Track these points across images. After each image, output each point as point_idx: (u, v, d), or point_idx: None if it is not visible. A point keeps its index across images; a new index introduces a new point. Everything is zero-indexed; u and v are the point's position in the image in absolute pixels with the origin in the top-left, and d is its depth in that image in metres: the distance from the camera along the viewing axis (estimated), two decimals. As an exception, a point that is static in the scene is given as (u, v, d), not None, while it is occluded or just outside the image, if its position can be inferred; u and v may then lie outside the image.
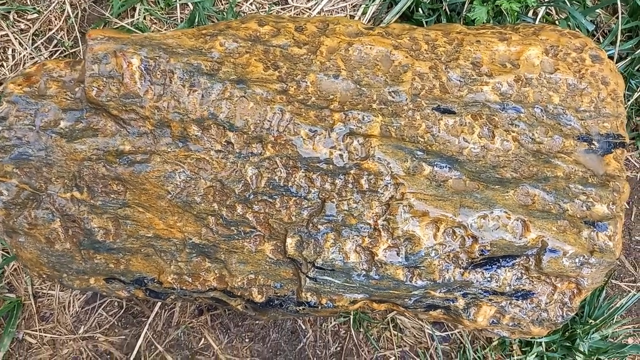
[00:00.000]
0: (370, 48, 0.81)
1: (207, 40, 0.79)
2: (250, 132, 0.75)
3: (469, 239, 0.74)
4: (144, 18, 1.09)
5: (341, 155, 0.74)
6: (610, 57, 1.08)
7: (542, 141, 0.80)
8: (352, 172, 0.74)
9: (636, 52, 1.08)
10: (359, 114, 0.76)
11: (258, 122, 0.75)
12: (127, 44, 0.77)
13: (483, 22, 1.00)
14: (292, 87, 0.77)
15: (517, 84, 0.81)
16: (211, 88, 0.76)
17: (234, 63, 0.77)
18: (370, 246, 0.74)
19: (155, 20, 1.10)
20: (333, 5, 1.09)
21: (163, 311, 0.93)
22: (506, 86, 0.81)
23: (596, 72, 0.84)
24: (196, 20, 1.05)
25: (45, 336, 0.90)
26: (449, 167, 0.75)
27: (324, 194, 0.75)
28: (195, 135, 0.76)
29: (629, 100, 1.09)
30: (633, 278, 1.03)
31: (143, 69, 0.76)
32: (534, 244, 0.73)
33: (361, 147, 0.75)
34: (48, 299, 0.92)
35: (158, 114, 0.76)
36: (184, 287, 0.80)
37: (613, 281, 1.02)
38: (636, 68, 1.08)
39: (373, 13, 1.10)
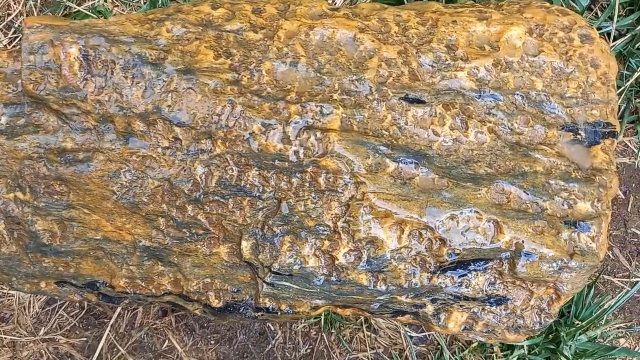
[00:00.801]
0: (333, 31, 0.74)
1: (153, 26, 0.72)
2: (198, 128, 0.69)
3: (436, 241, 0.67)
4: (105, 1, 1.03)
5: (297, 152, 0.68)
6: (608, 34, 0.99)
7: (522, 132, 0.73)
8: (309, 170, 0.68)
9: (637, 29, 0.99)
10: (317, 105, 0.69)
11: (206, 116, 0.69)
12: (65, 32, 0.70)
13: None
14: (245, 76, 0.71)
15: (495, 69, 0.74)
16: (156, 79, 0.69)
17: (181, 51, 0.71)
18: (330, 249, 0.68)
19: (117, 3, 1.03)
20: (306, -17, 1.02)
21: (126, 312, 0.89)
22: (483, 71, 0.73)
23: (585, 53, 0.76)
24: (159, 1, 0.98)
25: (5, 338, 0.87)
26: (415, 163, 0.69)
27: (279, 194, 0.69)
28: (141, 131, 0.70)
29: (628, 81, 1.01)
30: (627, 273, 0.96)
31: (82, 59, 0.70)
32: (507, 247, 0.67)
33: (319, 143, 0.68)
34: (8, 299, 0.88)
35: (100, 108, 0.70)
36: (137, 292, 0.76)
37: (605, 277, 0.95)
38: (636, 46, 0.99)
39: (350, -10, 1.02)
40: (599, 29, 1.00)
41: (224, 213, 0.70)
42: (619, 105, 1.02)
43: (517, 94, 0.74)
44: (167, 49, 0.71)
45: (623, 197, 0.98)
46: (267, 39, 0.73)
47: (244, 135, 0.68)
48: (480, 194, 0.68)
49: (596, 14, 1.04)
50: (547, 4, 0.81)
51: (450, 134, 0.70)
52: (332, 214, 0.68)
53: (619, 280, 0.95)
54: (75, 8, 1.00)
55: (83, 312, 0.90)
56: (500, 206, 0.68)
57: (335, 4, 1.02)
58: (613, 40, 1.00)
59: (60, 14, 1.01)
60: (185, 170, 0.70)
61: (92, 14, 0.99)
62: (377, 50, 0.73)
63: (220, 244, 0.72)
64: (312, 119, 0.69)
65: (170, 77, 0.69)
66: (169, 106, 0.69)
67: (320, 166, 0.68)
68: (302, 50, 0.72)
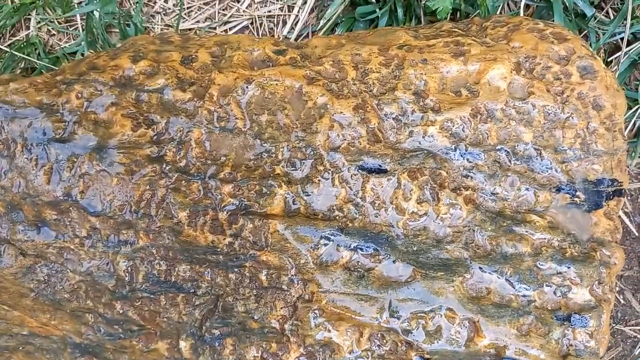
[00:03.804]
0: (276, 84, 0.61)
1: (61, 91, 0.61)
2: (116, 217, 0.59)
3: (402, 344, 0.57)
4: (39, 30, 0.91)
5: (232, 244, 0.57)
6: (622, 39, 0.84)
7: (507, 197, 0.60)
8: (247, 264, 0.57)
9: (655, 32, 0.83)
10: (255, 184, 0.58)
11: (124, 203, 0.58)
12: (-43, 106, 0.60)
13: (447, 14, 0.77)
14: (170, 150, 0.59)
15: (474, 120, 0.61)
16: (64, 161, 0.59)
17: (94, 122, 0.60)
18: (280, 353, 0.59)
19: (53, 32, 0.91)
20: (264, -3, 0.88)
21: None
22: (459, 124, 0.61)
23: (586, 92, 0.62)
24: (94, 33, 0.86)
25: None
26: (375, 250, 0.57)
27: (217, 290, 0.59)
28: (54, 220, 0.60)
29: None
30: (641, 320, 0.84)
31: (-21, 139, 0.59)
32: (486, 351, 0.56)
33: (258, 232, 0.57)
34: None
35: (5, 195, 0.60)
36: (76, 386, 0.67)
37: (615, 326, 0.84)
38: (655, 53, 0.84)
39: (316, 1, 0.88)
40: (611, 35, 0.84)
41: (157, 310, 0.61)
42: (634, 122, 0.88)
43: (502, 150, 0.61)
44: (77, 121, 0.60)
45: (637, 233, 0.86)
46: (197, 99, 0.61)
47: (169, 226, 0.58)
48: (453, 286, 0.57)
49: (607, 13, 0.88)
50: (541, 25, 0.67)
51: (418, 209, 0.58)
52: (278, 315, 0.58)
53: (631, 329, 0.84)
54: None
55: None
56: (478, 300, 0.57)
57: (282, 38, 0.89)
58: (627, 46, 0.85)
59: None
60: (107, 264, 0.60)
61: (22, 54, 0.87)
62: (329, 105, 0.60)
63: (159, 339, 0.63)
64: (249, 201, 0.58)
65: (81, 159, 0.58)
66: (81, 192, 0.59)
67: (260, 261, 0.57)
68: (238, 112, 0.60)
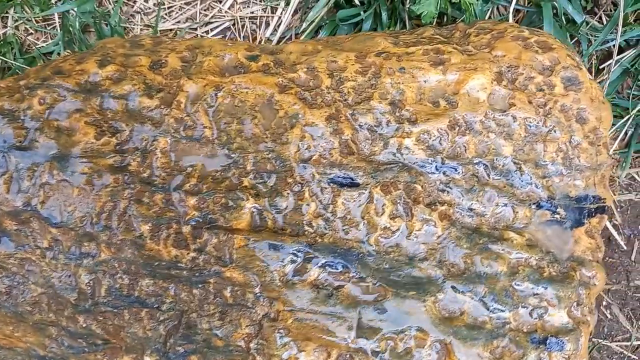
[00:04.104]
0: (247, 92, 0.59)
1: (23, 97, 0.59)
2: (77, 229, 0.56)
3: (371, 365, 0.55)
4: (17, 29, 0.88)
5: (196, 259, 0.55)
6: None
7: (485, 212, 0.58)
8: (212, 281, 0.55)
9: (649, 39, 0.81)
10: (221, 197, 0.56)
11: (86, 215, 0.56)
12: None
13: (433, 19, 0.75)
14: (134, 160, 0.57)
15: (452, 132, 0.59)
16: (24, 170, 0.57)
17: (57, 128, 0.58)
18: (245, 371, 0.57)
19: (31, 31, 0.89)
20: (246, -3, 0.86)
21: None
22: (436, 136, 0.58)
23: (569, 104, 0.60)
24: (71, 33, 0.84)
25: None
26: (345, 267, 0.55)
27: (181, 305, 0.57)
28: (15, 230, 0.58)
29: (637, 103, 0.83)
30: (628, 335, 0.82)
31: (-63, 145, 0.57)
32: (457, 375, 0.54)
33: (222, 248, 0.55)
34: None
35: (-35, 203, 0.58)
36: (41, 398, 0.66)
37: (602, 342, 0.81)
38: (648, 60, 0.81)
39: (300, 3, 0.86)
40: (603, 42, 0.82)
41: (121, 324, 0.59)
42: (626, 131, 0.85)
43: (480, 163, 0.59)
44: (39, 127, 0.58)
45: (625, 247, 0.83)
46: (164, 106, 0.59)
47: (130, 239, 0.56)
48: (425, 305, 0.54)
49: (600, 18, 0.85)
50: (526, 33, 0.64)
51: (391, 224, 0.56)
52: (243, 334, 0.55)
53: (617, 345, 0.82)
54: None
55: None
56: (450, 321, 0.55)
57: (264, 41, 0.86)
58: (619, 53, 0.82)
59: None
60: (69, 277, 0.58)
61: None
62: (302, 115, 0.58)
63: (124, 354, 0.61)
64: (214, 215, 0.55)
65: (42, 167, 0.56)
66: (42, 202, 0.57)
67: (224, 277, 0.55)
68: (206, 120, 0.58)
